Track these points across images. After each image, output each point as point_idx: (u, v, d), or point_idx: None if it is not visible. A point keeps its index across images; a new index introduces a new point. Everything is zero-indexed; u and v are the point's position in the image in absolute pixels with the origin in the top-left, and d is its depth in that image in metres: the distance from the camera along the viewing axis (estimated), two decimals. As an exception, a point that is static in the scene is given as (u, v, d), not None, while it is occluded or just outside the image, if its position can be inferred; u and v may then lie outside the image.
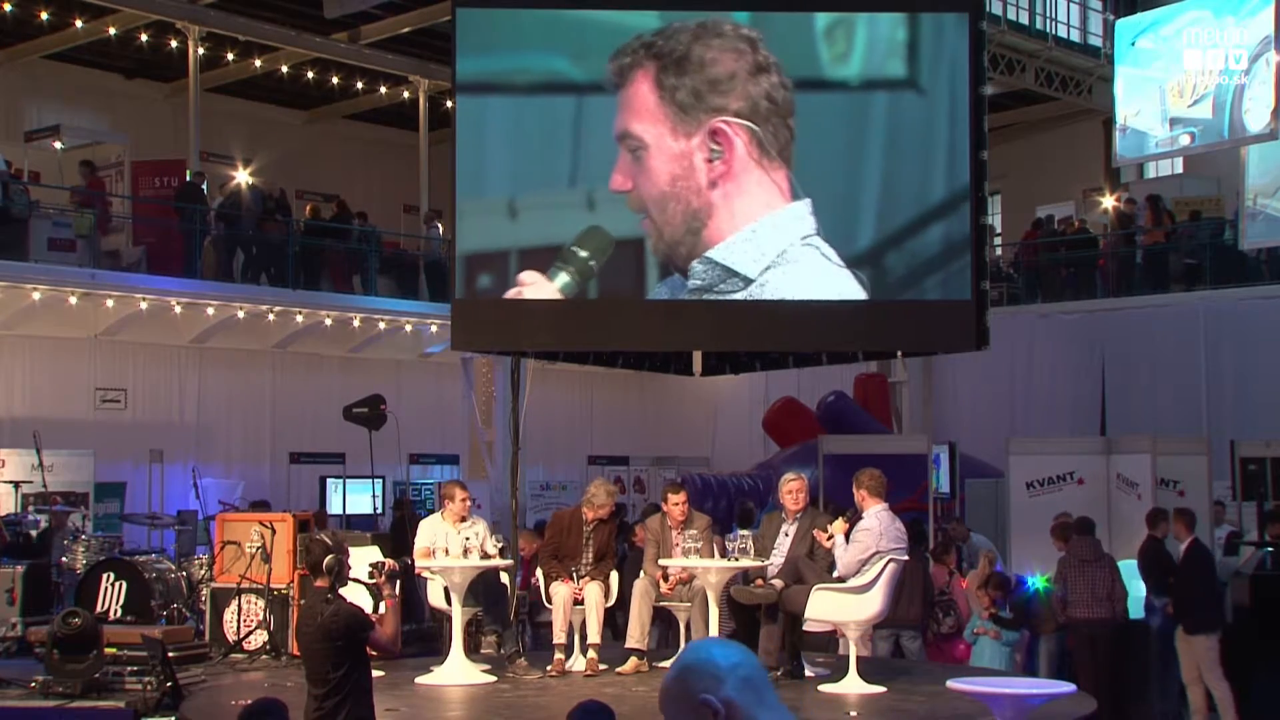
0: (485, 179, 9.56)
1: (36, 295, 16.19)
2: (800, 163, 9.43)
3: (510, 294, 9.31)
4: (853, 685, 8.03)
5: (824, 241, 9.32)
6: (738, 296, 9.30)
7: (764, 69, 9.28)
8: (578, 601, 8.89)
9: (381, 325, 19.58)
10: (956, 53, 9.59)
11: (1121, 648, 9.98)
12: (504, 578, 9.28)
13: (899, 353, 14.09)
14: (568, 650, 8.88)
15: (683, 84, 9.20)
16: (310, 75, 20.95)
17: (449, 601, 8.79)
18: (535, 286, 9.26)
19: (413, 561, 9.17)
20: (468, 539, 8.67)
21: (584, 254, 9.22)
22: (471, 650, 9.00)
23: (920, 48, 9.61)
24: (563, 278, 9.22)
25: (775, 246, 9.27)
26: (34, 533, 12.24)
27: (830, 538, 8.36)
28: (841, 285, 9.36)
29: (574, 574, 8.98)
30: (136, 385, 18.24)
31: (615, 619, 10.00)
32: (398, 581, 6.38)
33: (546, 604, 9.07)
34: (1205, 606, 9.81)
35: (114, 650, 8.19)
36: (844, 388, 19.49)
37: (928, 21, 9.62)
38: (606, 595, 8.95)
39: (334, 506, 17.73)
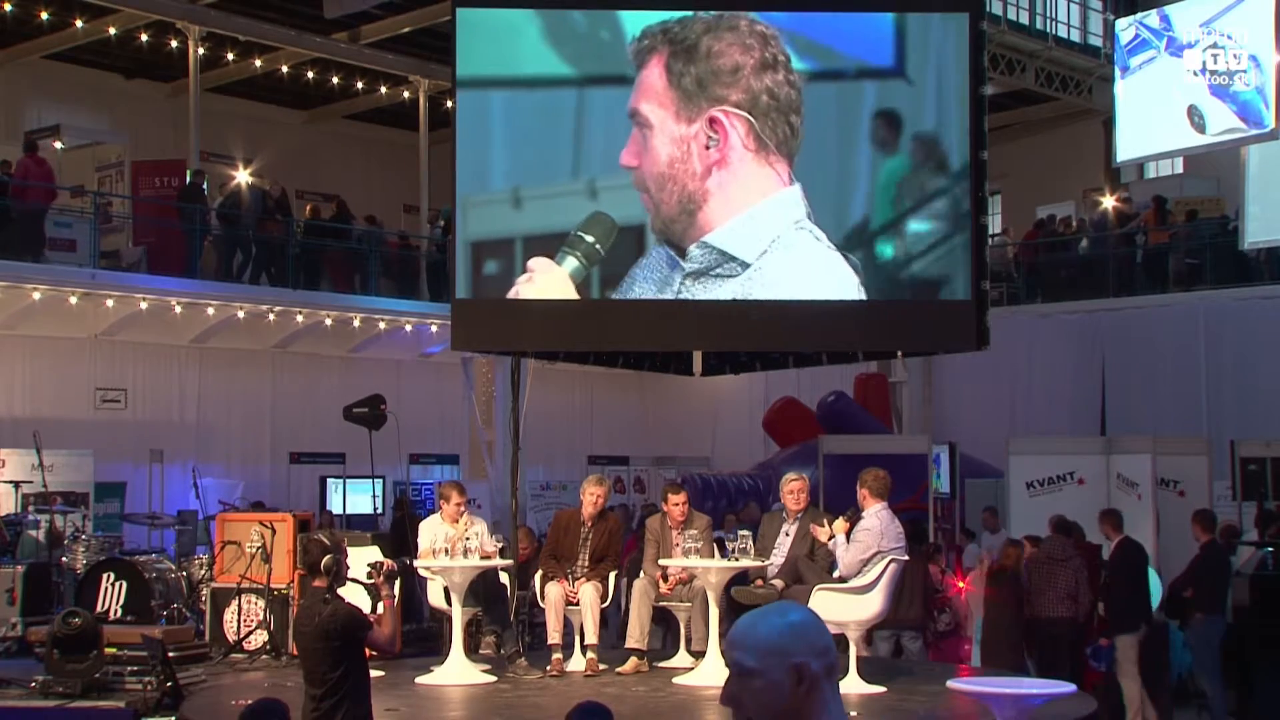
0: (489, 170, 9.70)
1: (36, 295, 16.19)
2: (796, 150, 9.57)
3: (520, 279, 9.41)
4: (853, 685, 8.02)
5: (815, 226, 9.43)
6: (735, 281, 9.39)
7: (770, 66, 9.40)
8: (572, 602, 8.89)
9: (381, 325, 19.58)
10: (944, 43, 9.67)
11: (1082, 646, 10.00)
12: (504, 578, 9.28)
13: (899, 353, 14.08)
14: (565, 650, 8.88)
15: (689, 71, 9.39)
16: (310, 75, 20.95)
17: (449, 601, 8.80)
18: (544, 273, 9.38)
19: (410, 561, 9.18)
20: (468, 539, 8.68)
21: (590, 239, 9.35)
22: (471, 650, 9.00)
23: (907, 35, 9.71)
24: (570, 262, 9.35)
25: (770, 231, 9.39)
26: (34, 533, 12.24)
27: (831, 537, 8.36)
28: (835, 267, 9.44)
29: (570, 575, 8.98)
30: (136, 385, 18.24)
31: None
32: (396, 581, 6.37)
33: (541, 603, 9.09)
34: (1131, 606, 9.82)
35: (114, 650, 8.19)
36: (844, 388, 19.49)
37: (914, 16, 9.73)
38: (603, 596, 8.95)
39: (334, 506, 17.73)
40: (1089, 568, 10.06)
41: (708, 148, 9.35)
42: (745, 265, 9.35)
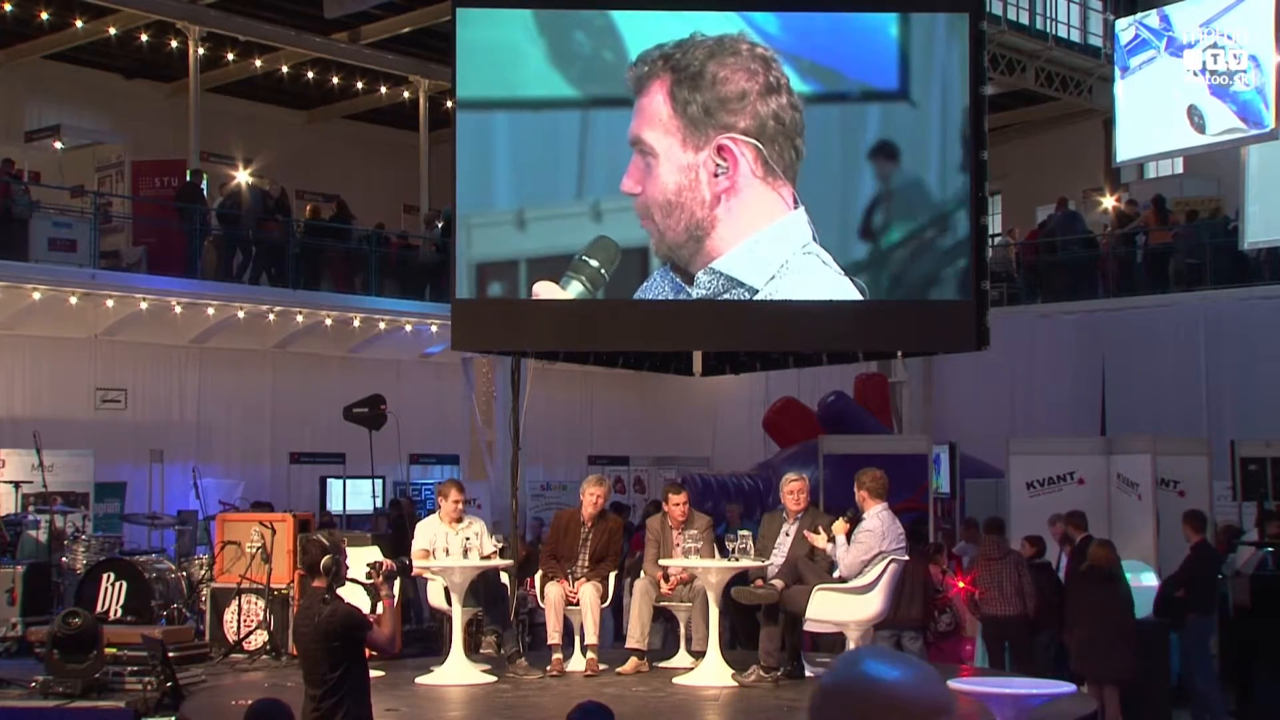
0: (492, 192, 9.68)
1: (36, 295, 16.19)
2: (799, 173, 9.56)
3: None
4: (853, 685, 8.00)
5: (822, 249, 9.42)
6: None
7: (775, 90, 9.38)
8: (572, 602, 8.89)
9: (381, 325, 19.58)
10: (948, 57, 9.65)
11: (1029, 642, 10.01)
12: (504, 578, 9.28)
13: (899, 353, 14.08)
14: (565, 650, 8.89)
15: (694, 99, 9.35)
16: (310, 75, 20.94)
17: (449, 601, 8.80)
18: (548, 297, 9.39)
19: (410, 562, 9.17)
20: (467, 539, 8.68)
21: (595, 263, 9.35)
22: (471, 650, 9.00)
23: (911, 58, 9.68)
24: (576, 286, 9.36)
25: (778, 257, 9.38)
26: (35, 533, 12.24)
27: (830, 539, 8.36)
28: (843, 292, 9.45)
29: (570, 575, 8.98)
30: (136, 385, 18.24)
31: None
32: (395, 582, 6.37)
33: (540, 603, 9.09)
34: None
35: (114, 650, 8.19)
36: (844, 388, 19.48)
37: (918, 30, 9.68)
38: (603, 596, 8.95)
39: (334, 506, 17.73)
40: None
41: (716, 175, 9.32)
42: (754, 291, 9.35)
